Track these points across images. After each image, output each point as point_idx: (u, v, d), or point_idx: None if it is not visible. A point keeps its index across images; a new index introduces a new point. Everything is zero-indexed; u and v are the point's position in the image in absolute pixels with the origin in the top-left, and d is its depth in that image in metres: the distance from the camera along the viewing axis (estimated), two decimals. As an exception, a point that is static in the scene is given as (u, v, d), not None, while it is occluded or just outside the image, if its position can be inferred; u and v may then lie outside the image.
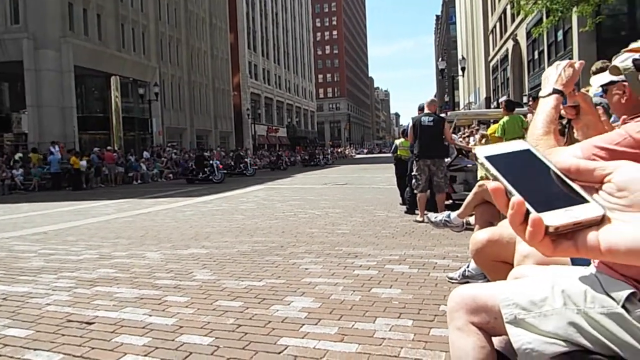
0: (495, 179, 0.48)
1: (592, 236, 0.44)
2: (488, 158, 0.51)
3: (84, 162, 19.65)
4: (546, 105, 1.33)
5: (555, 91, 1.35)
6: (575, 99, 1.51)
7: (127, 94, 30.39)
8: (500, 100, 10.51)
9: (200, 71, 41.73)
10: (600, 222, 0.44)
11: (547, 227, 0.44)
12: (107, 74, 27.83)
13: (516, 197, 0.46)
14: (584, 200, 0.46)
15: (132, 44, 31.72)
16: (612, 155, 1.07)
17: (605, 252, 0.43)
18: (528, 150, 0.52)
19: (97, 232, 7.01)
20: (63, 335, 2.88)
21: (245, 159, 25.71)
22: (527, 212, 0.45)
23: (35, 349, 2.67)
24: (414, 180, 6.93)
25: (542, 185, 0.48)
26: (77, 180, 19.14)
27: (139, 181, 22.43)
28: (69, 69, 25.01)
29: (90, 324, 3.07)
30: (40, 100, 24.16)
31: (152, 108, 30.04)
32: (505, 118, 7.05)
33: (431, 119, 6.87)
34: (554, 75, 1.39)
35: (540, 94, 1.39)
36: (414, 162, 6.96)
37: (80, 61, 25.54)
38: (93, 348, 2.66)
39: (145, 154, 25.67)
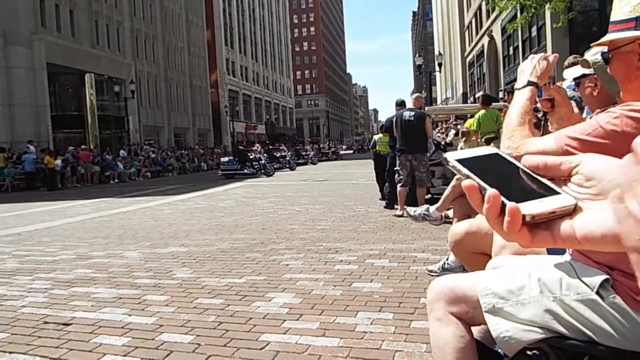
0: (468, 177, 0.50)
1: (567, 225, 0.45)
2: (459, 161, 0.52)
3: (58, 162, 19.25)
4: (521, 97, 1.36)
5: (530, 83, 1.38)
6: (550, 91, 1.54)
7: (102, 91, 29.85)
8: (477, 95, 10.65)
9: (177, 68, 41.21)
10: (573, 211, 0.46)
11: (523, 217, 0.45)
12: (81, 71, 27.28)
13: (491, 190, 0.46)
14: (556, 192, 0.47)
15: (106, 40, 31.15)
16: (583, 145, 1.09)
17: (581, 239, 0.44)
18: (497, 154, 0.54)
19: (73, 233, 6.89)
20: (39, 337, 2.82)
21: (285, 155, 25.35)
22: (503, 206, 0.46)
23: (10, 352, 2.61)
24: (396, 175, 6.99)
25: (513, 182, 0.49)
26: (51, 180, 18.74)
27: (116, 180, 22.08)
28: (42, 66, 24.46)
29: (67, 325, 3.01)
30: (12, 99, 23.58)
31: (128, 106, 29.56)
32: (482, 112, 7.16)
33: (412, 114, 6.90)
34: (529, 68, 1.41)
35: (516, 85, 1.42)
36: (397, 157, 7.00)
37: (53, 58, 24.98)
38: (71, 349, 2.62)
39: (122, 152, 25.24)
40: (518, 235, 0.46)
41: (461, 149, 6.96)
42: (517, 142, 1.23)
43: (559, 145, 1.12)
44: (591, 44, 1.37)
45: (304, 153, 31.92)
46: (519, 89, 1.39)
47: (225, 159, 20.52)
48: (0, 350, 2.65)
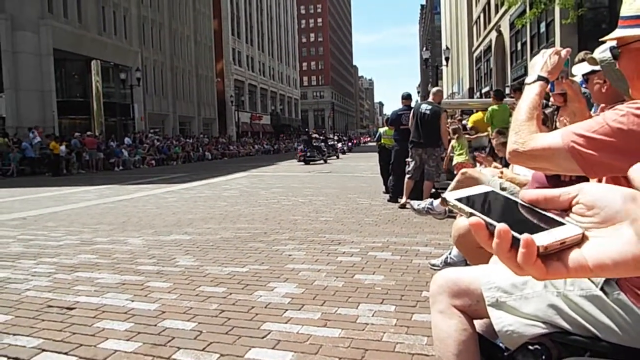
0: (472, 215, 0.49)
1: (577, 254, 0.45)
2: (459, 200, 0.53)
3: (63, 147, 19.31)
4: (531, 92, 1.35)
5: (540, 78, 1.36)
6: (562, 86, 1.52)
7: (108, 78, 29.79)
8: (483, 91, 10.61)
9: (183, 57, 41.13)
10: (581, 240, 0.46)
11: (537, 248, 0.45)
12: (87, 57, 27.25)
13: (500, 225, 0.46)
14: (560, 224, 0.47)
15: (113, 27, 31.09)
16: (589, 142, 1.08)
17: (594, 268, 0.44)
18: (492, 191, 0.55)
19: (77, 218, 6.92)
20: (43, 320, 2.85)
21: (334, 143, 28.94)
22: (513, 240, 0.46)
23: (14, 334, 2.64)
24: (407, 166, 7.03)
25: (516, 217, 0.49)
26: (56, 165, 18.80)
27: (121, 167, 22.16)
28: (48, 51, 24.43)
29: (71, 309, 3.04)
30: (18, 84, 23.59)
31: (134, 93, 29.57)
32: (494, 106, 7.13)
33: (429, 107, 6.89)
34: (539, 63, 1.40)
35: (526, 80, 1.41)
36: (409, 148, 7.02)
37: (60, 44, 24.96)
38: (74, 333, 2.64)
39: (127, 140, 25.31)
40: (533, 267, 0.45)
41: (452, 147, 6.92)
42: (524, 138, 1.22)
43: (565, 142, 1.11)
44: (600, 39, 1.35)
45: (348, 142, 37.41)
46: (529, 83, 1.37)
47: (301, 147, 23.60)
48: (4, 331, 2.68)
